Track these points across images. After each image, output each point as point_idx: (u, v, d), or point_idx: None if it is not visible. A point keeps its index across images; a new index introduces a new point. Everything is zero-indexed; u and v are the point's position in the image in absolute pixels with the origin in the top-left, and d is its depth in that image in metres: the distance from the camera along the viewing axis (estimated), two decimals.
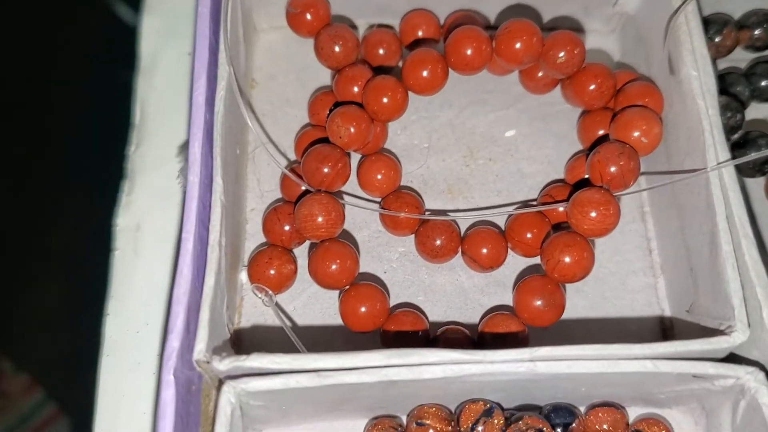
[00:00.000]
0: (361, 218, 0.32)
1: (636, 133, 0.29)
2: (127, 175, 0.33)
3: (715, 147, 0.28)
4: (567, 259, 0.28)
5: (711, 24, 0.34)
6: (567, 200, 0.29)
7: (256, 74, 0.35)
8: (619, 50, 0.35)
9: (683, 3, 0.30)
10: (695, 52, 0.29)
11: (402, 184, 0.33)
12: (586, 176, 0.30)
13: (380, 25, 0.35)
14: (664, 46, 0.30)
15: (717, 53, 0.34)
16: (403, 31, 0.34)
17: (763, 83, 0.34)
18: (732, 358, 0.26)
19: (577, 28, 0.35)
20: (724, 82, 0.33)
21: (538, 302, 0.28)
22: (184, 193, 0.26)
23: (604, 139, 0.31)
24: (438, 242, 0.30)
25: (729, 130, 0.31)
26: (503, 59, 0.30)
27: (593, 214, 0.28)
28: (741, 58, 0.35)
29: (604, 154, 0.28)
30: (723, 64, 0.35)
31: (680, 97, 0.29)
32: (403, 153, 0.34)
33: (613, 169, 0.28)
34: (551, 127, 0.34)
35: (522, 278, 0.29)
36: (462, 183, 0.33)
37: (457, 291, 0.31)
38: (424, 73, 0.30)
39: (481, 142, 0.34)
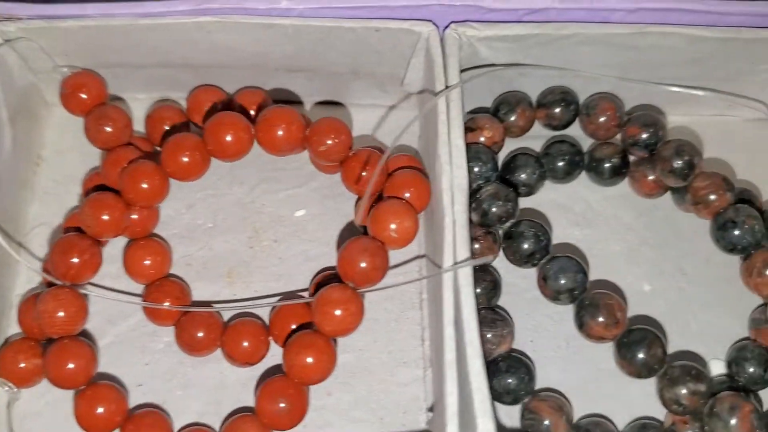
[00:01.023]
0: (130, 306, 0.31)
1: (393, 226, 0.28)
2: None
3: (455, 245, 0.27)
4: (308, 360, 0.27)
5: (503, 104, 0.33)
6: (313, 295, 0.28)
7: (44, 150, 0.34)
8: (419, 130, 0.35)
9: (441, 90, 0.29)
10: (450, 142, 0.28)
11: (182, 266, 0.32)
12: None
13: (166, 100, 0.34)
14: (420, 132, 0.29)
15: (509, 133, 0.33)
16: (190, 107, 0.33)
17: (560, 164, 0.33)
18: None
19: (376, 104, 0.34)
20: (512, 165, 0.32)
21: (280, 405, 0.27)
22: None
23: None
24: (199, 335, 0.29)
25: (497, 219, 0.30)
26: (264, 147, 0.29)
27: (337, 313, 0.27)
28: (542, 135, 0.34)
29: (350, 251, 0.27)
30: (524, 142, 0.34)
31: (435, 188, 0.28)
32: (185, 234, 0.33)
33: (362, 265, 0.27)
34: (342, 207, 0.33)
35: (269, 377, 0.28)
36: (243, 266, 0.32)
37: (217, 386, 0.30)
38: (184, 159, 0.29)
39: (269, 222, 0.33)
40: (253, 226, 0.33)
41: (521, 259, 0.30)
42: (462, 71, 0.30)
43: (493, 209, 0.30)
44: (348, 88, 0.34)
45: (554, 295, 0.29)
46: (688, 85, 0.33)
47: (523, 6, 0.30)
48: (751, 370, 0.29)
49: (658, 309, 0.32)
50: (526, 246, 0.30)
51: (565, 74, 0.33)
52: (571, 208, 0.34)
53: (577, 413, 0.30)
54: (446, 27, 0.30)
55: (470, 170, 0.30)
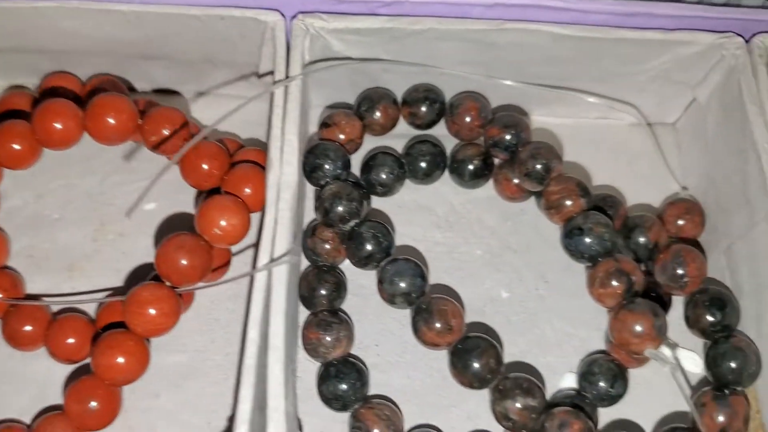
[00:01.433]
0: None
1: (222, 223, 0.27)
2: None
3: (273, 244, 0.25)
4: (116, 360, 0.26)
5: (365, 100, 0.32)
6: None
7: None
8: None
9: (277, 82, 0.28)
10: (283, 137, 0.27)
11: (23, 257, 0.31)
12: None
13: (17, 87, 0.33)
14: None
15: (371, 131, 0.32)
16: (42, 94, 0.32)
17: (421, 164, 0.32)
18: None
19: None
20: (370, 164, 0.31)
21: (88, 405, 0.26)
22: None
23: None
24: (25, 328, 0.28)
25: (340, 219, 0.28)
26: (93, 136, 0.28)
27: (150, 312, 0.26)
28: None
29: (167, 248, 0.26)
30: (389, 141, 0.33)
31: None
32: (30, 224, 0.32)
33: (181, 262, 0.26)
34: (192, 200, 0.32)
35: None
36: (86, 260, 0.31)
37: (46, 382, 0.29)
38: (13, 147, 0.28)
39: (117, 215, 0.32)
40: (100, 219, 0.32)
41: (360, 261, 0.29)
42: (309, 64, 0.29)
43: (337, 208, 0.28)
44: (208, 77, 0.33)
45: (390, 299, 0.28)
46: (556, 85, 0.32)
47: None
48: (601, 384, 0.28)
49: (515, 317, 0.31)
50: (366, 247, 0.28)
51: (431, 72, 0.31)
52: (433, 209, 0.33)
53: (416, 422, 0.28)
54: (294, 17, 0.29)
55: (318, 168, 0.29)
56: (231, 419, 0.28)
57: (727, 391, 0.26)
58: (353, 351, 0.29)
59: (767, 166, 0.28)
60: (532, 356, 0.30)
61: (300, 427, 0.27)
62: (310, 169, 0.29)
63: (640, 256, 0.30)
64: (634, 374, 0.29)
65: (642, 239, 0.29)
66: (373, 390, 0.29)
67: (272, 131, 0.27)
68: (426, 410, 0.29)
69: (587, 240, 0.28)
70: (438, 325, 0.27)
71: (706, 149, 0.32)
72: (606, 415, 0.29)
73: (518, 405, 0.26)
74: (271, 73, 0.30)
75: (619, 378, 0.27)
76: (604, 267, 0.27)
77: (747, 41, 0.30)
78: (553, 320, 0.31)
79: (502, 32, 0.30)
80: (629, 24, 0.30)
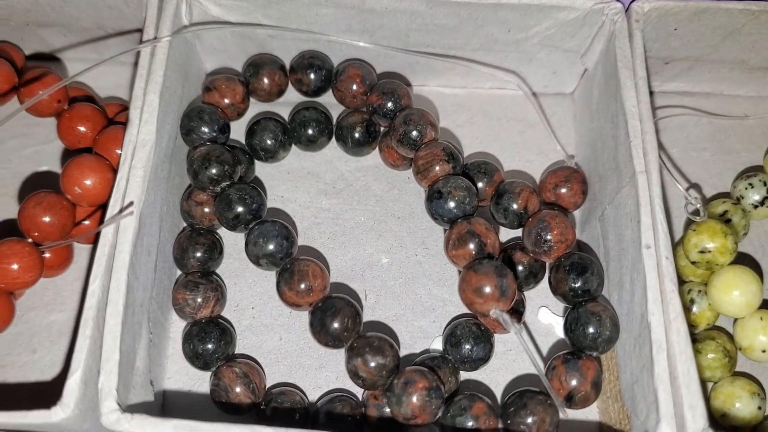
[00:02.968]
0: None
1: (86, 182, 0.28)
2: None
3: (123, 200, 0.26)
4: None
5: (250, 66, 0.32)
6: None
7: None
8: None
9: (138, 46, 0.28)
10: (145, 98, 0.28)
11: None
12: None
13: None
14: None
15: (257, 96, 0.32)
16: None
17: (306, 131, 0.32)
18: None
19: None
20: (253, 130, 0.31)
21: None
22: None
23: None
24: None
25: (210, 182, 0.29)
26: None
27: (13, 267, 0.26)
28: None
29: (28, 205, 0.27)
30: (279, 107, 0.33)
31: None
32: None
33: (43, 219, 0.27)
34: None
35: None
36: None
37: None
38: None
39: (11, 179, 0.33)
40: None
41: (229, 223, 0.29)
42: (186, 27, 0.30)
43: (207, 171, 0.29)
44: (104, 44, 0.33)
45: (255, 260, 0.28)
46: (437, 54, 0.32)
47: None
48: (464, 348, 0.28)
49: (393, 282, 0.31)
50: (235, 209, 0.29)
51: (321, 40, 0.32)
52: (322, 176, 0.33)
53: (279, 380, 0.29)
54: None
55: (193, 130, 0.30)
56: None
57: (577, 356, 0.26)
58: (228, 313, 0.30)
59: (632, 130, 0.28)
60: (405, 320, 0.30)
61: (151, 382, 0.27)
62: (185, 131, 0.30)
63: (509, 222, 0.29)
64: (505, 338, 0.29)
65: (512, 205, 0.29)
66: (246, 351, 0.29)
67: (134, 91, 0.28)
68: (295, 371, 0.29)
69: (446, 204, 0.28)
70: (300, 285, 0.27)
71: (591, 118, 0.32)
72: (468, 376, 0.29)
73: (367, 363, 0.26)
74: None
75: (481, 342, 0.27)
76: (457, 229, 0.27)
77: (626, 7, 0.30)
78: (430, 286, 0.31)
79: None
80: None
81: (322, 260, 0.31)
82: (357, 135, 0.32)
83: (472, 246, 0.27)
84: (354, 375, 0.27)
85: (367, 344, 0.27)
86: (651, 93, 0.34)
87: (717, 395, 0.28)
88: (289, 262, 0.28)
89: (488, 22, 0.31)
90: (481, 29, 0.31)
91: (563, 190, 0.30)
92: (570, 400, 0.26)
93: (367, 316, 0.30)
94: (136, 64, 0.28)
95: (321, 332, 0.27)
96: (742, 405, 0.27)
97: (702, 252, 0.28)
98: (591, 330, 0.26)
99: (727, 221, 0.30)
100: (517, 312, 0.28)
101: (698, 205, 0.29)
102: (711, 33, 0.31)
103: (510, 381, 0.29)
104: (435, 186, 0.28)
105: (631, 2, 0.30)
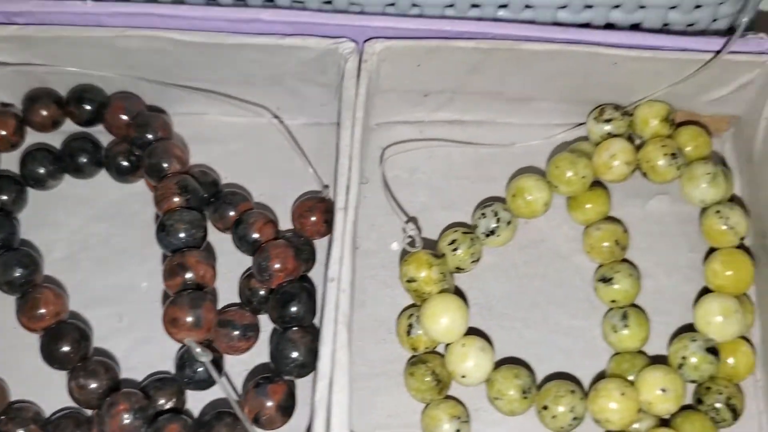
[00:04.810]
0: None
1: None
2: None
3: None
4: None
5: (26, 99, 0.34)
6: None
7: None
8: None
9: None
10: None
11: None
12: None
13: None
14: None
15: (35, 128, 0.34)
16: None
17: (76, 159, 0.34)
18: None
19: None
20: (25, 160, 0.34)
21: None
22: None
23: None
24: None
25: None
26: None
27: None
28: None
29: None
30: (55, 137, 0.35)
31: None
32: None
33: None
34: None
35: None
36: None
37: None
38: None
39: None
40: None
41: None
42: None
43: None
44: None
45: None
46: (198, 87, 0.34)
47: (8, 9, 0.32)
48: (186, 370, 0.30)
49: (151, 305, 0.33)
50: None
51: (91, 74, 0.34)
52: (94, 203, 0.35)
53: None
54: None
55: None
56: None
57: (270, 380, 0.28)
58: None
59: (341, 168, 0.29)
60: (155, 341, 0.32)
61: None
62: None
63: (247, 250, 0.31)
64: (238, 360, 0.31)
65: (247, 234, 0.31)
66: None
67: None
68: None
69: (167, 237, 0.30)
70: (34, 311, 0.30)
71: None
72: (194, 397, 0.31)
73: (80, 385, 0.28)
74: None
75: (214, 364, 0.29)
76: (169, 261, 0.29)
77: (360, 46, 0.32)
78: None
79: (128, 38, 0.32)
80: (248, 30, 0.32)
81: (81, 284, 0.33)
82: (122, 164, 0.34)
83: (180, 278, 0.29)
84: (71, 394, 0.29)
85: (83, 368, 0.29)
86: (420, 122, 0.36)
87: (424, 417, 0.30)
88: (28, 288, 0.30)
89: (239, 61, 0.32)
90: (235, 66, 0.33)
91: (307, 219, 0.32)
92: (257, 422, 0.28)
93: (119, 337, 0.32)
94: None
95: (48, 355, 0.29)
96: (442, 428, 0.29)
97: (409, 281, 0.30)
98: (287, 355, 0.28)
99: (455, 249, 0.32)
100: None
101: (415, 237, 0.30)
102: (455, 68, 0.33)
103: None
104: (161, 219, 0.30)
105: (365, 42, 0.32)
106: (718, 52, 0.31)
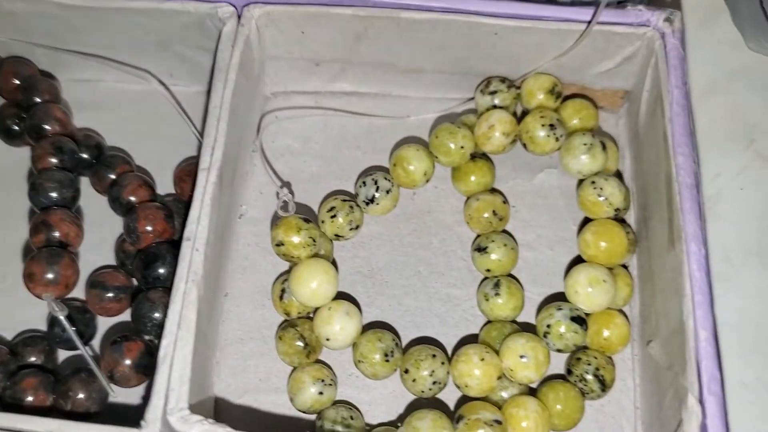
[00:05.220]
0: None
1: None
2: None
3: None
4: None
5: None
6: None
7: None
8: None
9: None
10: None
11: None
12: None
13: None
14: None
15: None
16: None
17: None
18: None
19: None
20: None
21: None
22: None
23: None
24: None
25: None
26: None
27: None
28: None
29: None
30: None
31: None
32: None
33: None
34: None
35: None
36: None
37: None
38: None
39: None
40: None
41: None
42: None
43: None
44: None
45: None
46: (84, 52, 0.34)
47: None
48: (56, 329, 0.30)
49: None
50: None
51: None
52: None
53: None
54: None
55: None
56: None
57: (127, 338, 0.28)
58: None
59: (208, 129, 0.29)
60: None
61: None
62: None
63: (121, 212, 0.31)
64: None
65: (119, 195, 0.31)
66: None
67: None
68: None
69: (36, 195, 0.30)
70: None
71: None
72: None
73: None
74: None
75: (84, 324, 0.30)
76: (34, 219, 0.30)
77: (240, 10, 0.32)
78: None
79: (12, 1, 0.32)
80: None
81: None
82: (12, 127, 0.34)
83: (43, 234, 0.29)
84: None
85: None
86: (317, 92, 0.36)
87: (290, 381, 0.30)
88: None
89: (125, 25, 0.33)
90: (123, 31, 0.33)
91: (186, 184, 0.32)
92: (112, 378, 0.28)
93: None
94: None
95: None
96: (306, 391, 0.29)
97: (278, 245, 0.30)
98: (145, 314, 0.28)
99: (333, 216, 0.32)
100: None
101: (288, 201, 0.30)
102: (341, 36, 0.33)
103: None
104: (31, 179, 0.30)
105: (244, 6, 0.32)
106: (589, 22, 0.30)
